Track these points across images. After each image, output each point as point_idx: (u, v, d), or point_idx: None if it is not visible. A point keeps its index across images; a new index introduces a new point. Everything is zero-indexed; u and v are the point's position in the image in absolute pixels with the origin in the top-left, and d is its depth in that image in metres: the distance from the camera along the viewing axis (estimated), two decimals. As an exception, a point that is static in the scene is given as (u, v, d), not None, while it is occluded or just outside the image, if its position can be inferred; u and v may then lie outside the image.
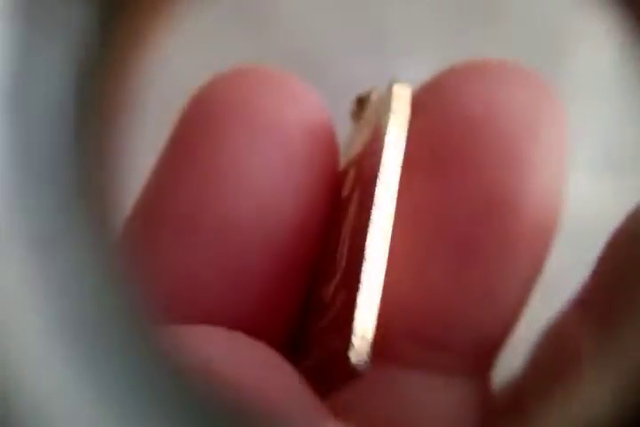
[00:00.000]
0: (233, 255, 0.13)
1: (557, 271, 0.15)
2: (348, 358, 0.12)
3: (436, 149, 0.13)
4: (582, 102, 0.25)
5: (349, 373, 0.12)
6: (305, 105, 0.13)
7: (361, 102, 0.14)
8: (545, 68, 0.24)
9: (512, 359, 0.16)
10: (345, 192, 0.13)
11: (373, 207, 0.12)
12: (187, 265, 0.13)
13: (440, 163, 0.13)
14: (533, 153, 0.13)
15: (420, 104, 0.13)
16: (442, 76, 0.14)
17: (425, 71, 0.14)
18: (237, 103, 0.13)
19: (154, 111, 0.15)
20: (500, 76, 0.13)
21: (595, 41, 0.25)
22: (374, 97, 0.14)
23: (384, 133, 0.12)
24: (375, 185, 0.12)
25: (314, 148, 0.13)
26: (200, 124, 0.13)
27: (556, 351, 0.14)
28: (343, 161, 0.14)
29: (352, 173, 0.13)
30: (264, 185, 0.13)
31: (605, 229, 0.13)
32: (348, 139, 0.14)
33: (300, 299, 0.14)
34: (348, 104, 0.15)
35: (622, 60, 0.09)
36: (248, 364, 0.11)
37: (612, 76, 0.25)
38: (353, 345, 0.12)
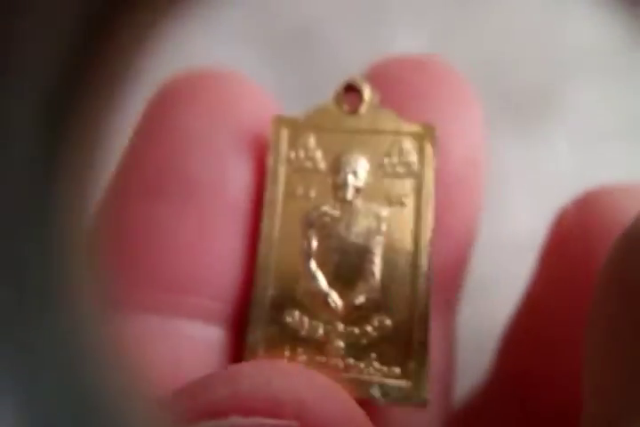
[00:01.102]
0: (196, 218, 0.14)
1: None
2: None
3: None
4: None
5: None
6: (255, 98, 0.16)
7: (350, 88, 0.15)
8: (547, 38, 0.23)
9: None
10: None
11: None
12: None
13: None
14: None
15: None
16: None
17: (424, 43, 0.14)
18: (198, 94, 0.15)
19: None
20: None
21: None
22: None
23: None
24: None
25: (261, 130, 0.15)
26: (168, 110, 0.15)
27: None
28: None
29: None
30: (222, 157, 0.15)
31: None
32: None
33: None
34: (344, 76, 0.15)
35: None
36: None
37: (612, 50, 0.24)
38: None
